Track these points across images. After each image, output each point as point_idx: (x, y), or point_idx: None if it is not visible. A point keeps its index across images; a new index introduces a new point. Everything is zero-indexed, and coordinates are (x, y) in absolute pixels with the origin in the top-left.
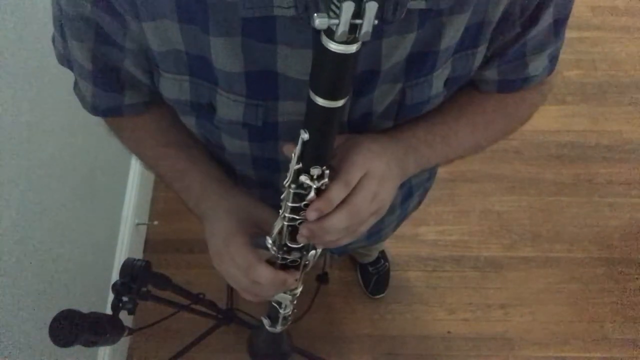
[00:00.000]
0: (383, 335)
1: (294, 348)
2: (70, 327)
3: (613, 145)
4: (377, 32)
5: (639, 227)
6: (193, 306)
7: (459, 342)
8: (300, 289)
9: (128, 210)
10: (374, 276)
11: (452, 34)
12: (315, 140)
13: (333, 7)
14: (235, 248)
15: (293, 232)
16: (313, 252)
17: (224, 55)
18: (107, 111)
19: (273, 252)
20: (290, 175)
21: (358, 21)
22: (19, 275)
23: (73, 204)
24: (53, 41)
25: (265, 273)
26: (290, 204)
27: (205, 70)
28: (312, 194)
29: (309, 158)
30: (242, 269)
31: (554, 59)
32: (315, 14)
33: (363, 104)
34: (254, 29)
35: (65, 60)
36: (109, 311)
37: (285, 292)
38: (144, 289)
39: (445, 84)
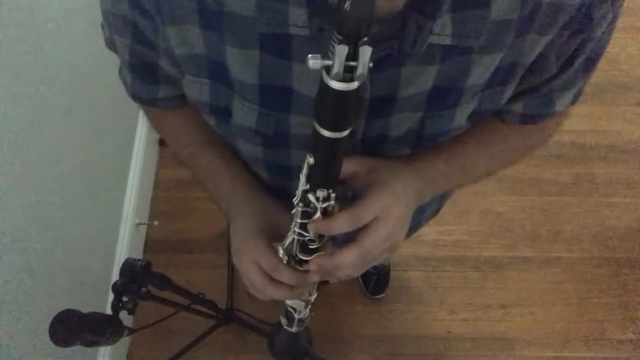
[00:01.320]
0: (383, 335)
1: (311, 347)
2: (70, 327)
3: (613, 145)
4: (397, 61)
5: (639, 227)
6: (193, 306)
7: (459, 342)
8: (314, 296)
9: (128, 210)
10: (374, 276)
11: (481, 73)
12: (321, 165)
13: (330, 48)
14: (258, 250)
15: (303, 244)
16: None
17: (239, 65)
18: (144, 100)
19: (285, 261)
20: (298, 194)
21: (353, 63)
22: (18, 275)
23: (73, 204)
24: (102, 27)
25: (289, 274)
26: (299, 221)
27: (223, 75)
28: (318, 214)
29: (315, 180)
30: (264, 270)
31: (578, 93)
32: (310, 55)
33: (378, 127)
34: (271, 44)
35: (113, 46)
36: (109, 311)
37: (299, 299)
38: (144, 289)
39: (470, 117)
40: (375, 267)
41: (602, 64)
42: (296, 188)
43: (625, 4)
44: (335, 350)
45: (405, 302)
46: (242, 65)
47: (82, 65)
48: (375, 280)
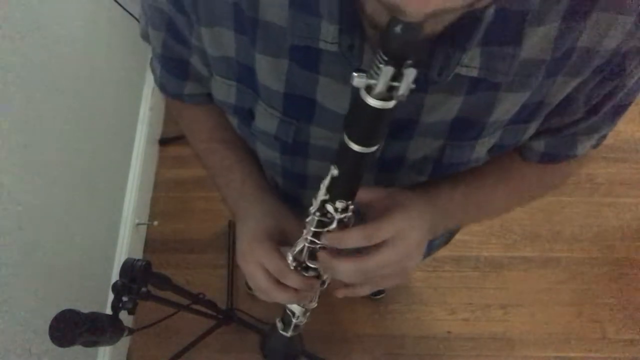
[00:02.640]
0: (383, 335)
1: (304, 351)
2: (70, 327)
3: (613, 145)
4: (423, 86)
5: (639, 227)
6: (193, 306)
7: (459, 342)
8: (314, 305)
9: (128, 210)
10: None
11: (506, 109)
12: (344, 177)
13: (375, 68)
14: (265, 253)
15: (312, 252)
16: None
17: (267, 72)
18: (170, 93)
19: (292, 267)
20: (317, 203)
21: (396, 84)
22: (19, 275)
23: (73, 204)
24: (140, 19)
25: (296, 278)
26: (313, 229)
27: (250, 80)
28: (334, 224)
29: (336, 191)
30: (270, 272)
31: (602, 138)
32: (355, 74)
33: (397, 148)
34: (301, 56)
35: (145, 37)
36: (109, 311)
37: (299, 305)
38: (144, 289)
39: (490, 150)
40: None
41: None
42: (312, 196)
43: None
44: (335, 350)
45: (405, 302)
46: (270, 72)
47: (82, 66)
48: None
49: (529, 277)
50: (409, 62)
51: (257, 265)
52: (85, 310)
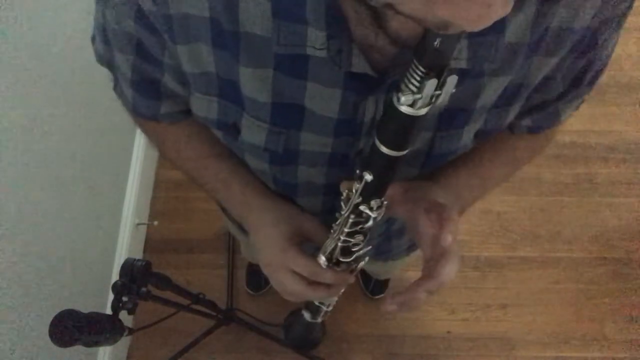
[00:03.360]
0: (383, 335)
1: (324, 335)
2: (70, 327)
3: (613, 145)
4: None
5: (639, 227)
6: (193, 306)
7: (459, 342)
8: (343, 289)
9: (128, 210)
10: (374, 277)
11: (490, 94)
12: (378, 181)
13: (413, 82)
14: (294, 259)
15: (345, 249)
16: (362, 263)
17: (252, 84)
18: (145, 116)
19: (324, 266)
20: (350, 207)
21: (437, 92)
22: (19, 275)
23: (73, 204)
24: (93, 41)
25: (331, 276)
26: (347, 230)
27: (233, 94)
28: (371, 222)
29: (369, 194)
30: (305, 274)
31: (581, 102)
32: (401, 94)
33: None
34: (286, 65)
35: (105, 62)
36: (109, 311)
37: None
38: (144, 289)
39: (476, 136)
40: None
41: None
42: (303, 198)
43: None
44: (335, 350)
45: None
46: (255, 84)
47: (82, 66)
48: (376, 281)
49: (529, 277)
50: (448, 68)
51: (286, 271)
52: (85, 310)
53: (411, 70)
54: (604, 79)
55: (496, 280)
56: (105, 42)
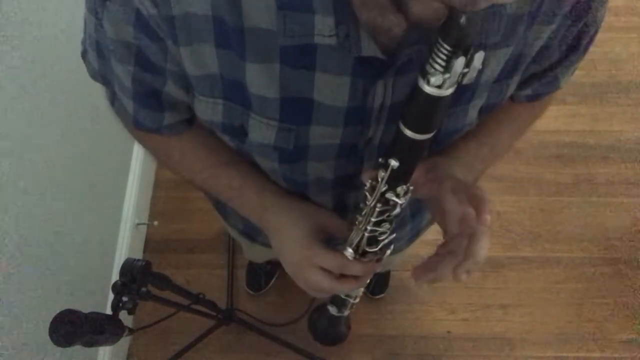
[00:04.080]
0: (383, 335)
1: (350, 330)
2: (70, 327)
3: (613, 145)
4: (419, 64)
5: (639, 227)
6: (193, 306)
7: (459, 342)
8: (368, 279)
9: (128, 210)
10: (374, 276)
11: (494, 67)
12: (404, 167)
13: (439, 62)
14: (320, 255)
15: (371, 239)
16: (388, 251)
17: (260, 80)
18: (149, 128)
19: (350, 258)
20: (376, 195)
21: (465, 70)
22: (19, 275)
23: (73, 204)
24: (83, 57)
25: (359, 267)
26: (374, 219)
27: (239, 94)
28: (398, 209)
29: (396, 180)
30: (333, 270)
31: (577, 67)
32: (430, 76)
33: (394, 132)
34: (293, 57)
35: (100, 76)
36: (109, 311)
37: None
38: (144, 289)
39: (479, 112)
40: None
41: (602, 64)
42: (314, 193)
43: (626, 4)
44: (335, 350)
45: (405, 302)
46: (262, 80)
47: (82, 65)
48: (376, 281)
49: (529, 277)
50: (474, 45)
51: (314, 269)
52: (85, 310)
53: (437, 51)
54: (604, 79)
55: (496, 280)
56: (100, 55)
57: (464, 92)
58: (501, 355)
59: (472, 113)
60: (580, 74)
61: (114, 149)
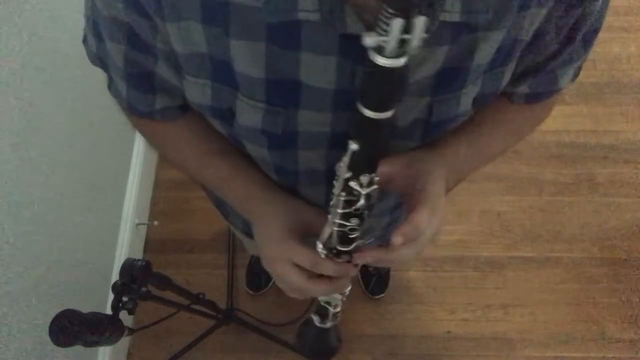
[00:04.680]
0: (383, 335)
1: (341, 343)
2: (70, 327)
3: (613, 145)
4: None
5: (639, 227)
6: (193, 306)
7: (459, 342)
8: (349, 288)
9: (128, 210)
10: (374, 276)
11: (486, 51)
12: (365, 150)
13: (381, 24)
14: (294, 250)
15: (342, 236)
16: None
17: (245, 59)
18: (141, 112)
19: (322, 255)
20: (340, 183)
21: (407, 36)
22: (18, 275)
23: (73, 204)
24: (84, 42)
25: (331, 265)
26: (340, 211)
27: (226, 75)
28: (362, 201)
29: (358, 166)
30: (303, 269)
31: (579, 68)
32: (365, 34)
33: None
34: (279, 35)
35: (99, 60)
36: (109, 311)
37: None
38: (144, 289)
39: (474, 102)
40: (375, 267)
41: (602, 64)
42: (305, 187)
43: (626, 4)
44: None
45: (405, 302)
46: (248, 59)
47: (82, 65)
48: (375, 280)
49: (529, 277)
50: (417, 10)
51: (287, 264)
52: (85, 310)
53: (380, 15)
54: (604, 79)
55: (496, 280)
56: (97, 35)
57: (453, 77)
58: (501, 355)
59: (466, 101)
60: (580, 74)
61: (114, 149)
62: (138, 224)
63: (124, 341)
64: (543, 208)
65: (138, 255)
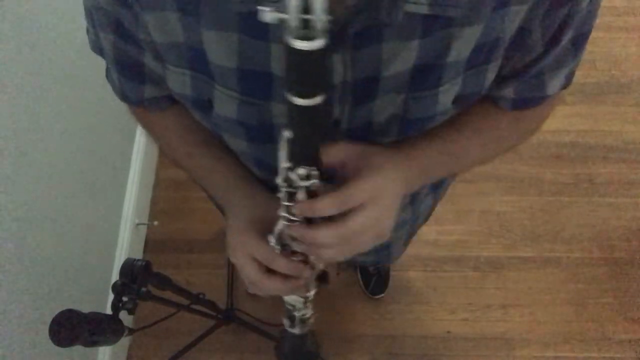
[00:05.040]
0: (383, 335)
1: (320, 350)
2: (70, 327)
3: (613, 145)
4: (376, 35)
5: (639, 227)
6: (193, 306)
7: (459, 342)
8: (312, 292)
9: (128, 210)
10: (374, 276)
11: (462, 47)
12: (299, 138)
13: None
14: (252, 242)
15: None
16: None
17: (218, 49)
18: (132, 101)
19: (277, 251)
20: (282, 174)
21: (308, 16)
22: (18, 275)
23: (73, 204)
24: (87, 31)
25: (284, 262)
26: (285, 203)
27: (202, 64)
28: (302, 194)
29: (296, 157)
30: (261, 261)
31: (571, 75)
32: (259, 7)
33: (362, 113)
34: (249, 25)
35: (98, 48)
36: (109, 311)
37: (296, 295)
38: (144, 289)
39: (455, 101)
40: (375, 267)
41: (602, 64)
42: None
43: (625, 4)
44: (335, 350)
45: (405, 302)
46: (221, 49)
47: (82, 65)
48: (375, 280)
49: (529, 277)
50: None
51: (246, 256)
52: (85, 310)
53: None
54: (604, 78)
55: (496, 280)
56: (92, 25)
57: (429, 73)
58: (501, 355)
59: (444, 99)
60: (580, 74)
61: (114, 148)
62: (138, 224)
63: (124, 341)
64: (543, 208)
65: (138, 255)
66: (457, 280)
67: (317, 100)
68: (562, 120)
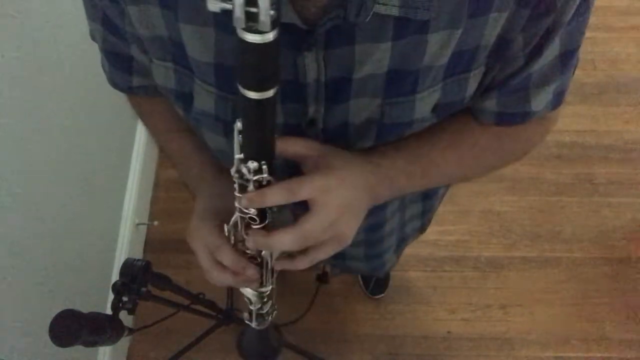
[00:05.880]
0: (383, 335)
1: (283, 344)
2: (70, 327)
3: (613, 145)
4: (349, 36)
5: (639, 227)
6: (193, 306)
7: (459, 342)
8: (268, 289)
9: (128, 210)
10: (374, 276)
11: (436, 52)
12: (249, 130)
13: None
14: (207, 229)
15: (247, 225)
16: (269, 260)
17: (195, 43)
18: (121, 88)
19: (232, 243)
20: (235, 164)
21: (253, 9)
22: (18, 275)
23: (73, 204)
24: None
25: (228, 255)
26: (237, 194)
27: (183, 57)
28: (251, 186)
29: (248, 149)
30: (209, 249)
31: (560, 94)
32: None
33: (338, 113)
34: (225, 21)
35: (92, 36)
36: (109, 311)
37: (250, 288)
38: (144, 289)
39: (435, 109)
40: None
41: (602, 64)
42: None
43: (626, 4)
44: (335, 350)
45: (405, 302)
46: (197, 43)
47: (83, 65)
48: (375, 280)
49: (529, 277)
50: None
51: (199, 243)
52: (85, 310)
53: None
54: (604, 79)
55: (496, 280)
56: (86, 15)
57: (404, 78)
58: (501, 355)
59: (422, 107)
60: (580, 74)
61: (114, 148)
62: (138, 224)
63: (124, 341)
64: (543, 208)
65: (138, 255)
66: (457, 280)
67: (267, 94)
68: (562, 120)
